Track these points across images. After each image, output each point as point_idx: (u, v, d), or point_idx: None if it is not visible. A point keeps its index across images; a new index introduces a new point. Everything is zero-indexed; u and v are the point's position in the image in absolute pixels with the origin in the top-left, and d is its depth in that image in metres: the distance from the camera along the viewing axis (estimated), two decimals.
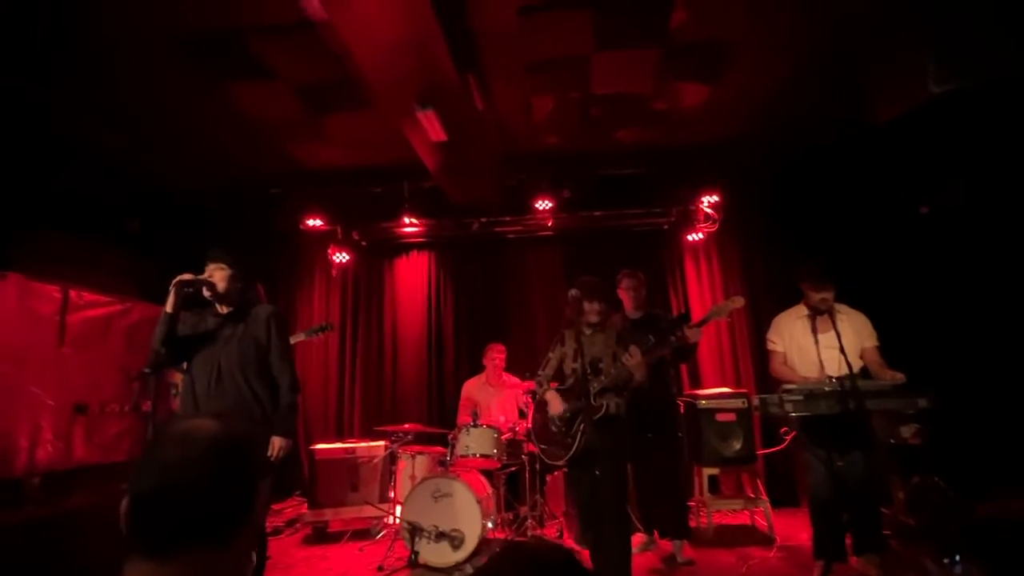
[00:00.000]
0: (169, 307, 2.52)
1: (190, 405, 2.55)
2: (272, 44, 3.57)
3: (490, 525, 3.76)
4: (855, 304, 3.35)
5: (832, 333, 3.05)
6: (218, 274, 2.64)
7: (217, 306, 2.72)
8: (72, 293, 4.17)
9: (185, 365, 2.64)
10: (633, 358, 2.91)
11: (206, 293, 2.64)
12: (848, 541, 3.19)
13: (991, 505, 3.20)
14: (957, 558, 1.14)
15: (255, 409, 2.59)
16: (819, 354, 3.20)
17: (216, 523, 0.82)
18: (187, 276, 2.55)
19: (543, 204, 5.15)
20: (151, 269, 4.92)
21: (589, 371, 2.94)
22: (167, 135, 4.59)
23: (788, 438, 4.54)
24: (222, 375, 2.57)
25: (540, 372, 3.26)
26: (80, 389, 4.16)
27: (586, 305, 3.04)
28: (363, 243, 5.90)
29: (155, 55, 3.61)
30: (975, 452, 3.85)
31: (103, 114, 4.21)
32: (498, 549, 0.89)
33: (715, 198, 5.13)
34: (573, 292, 3.05)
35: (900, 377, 2.99)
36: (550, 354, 3.27)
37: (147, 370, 2.43)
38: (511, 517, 4.39)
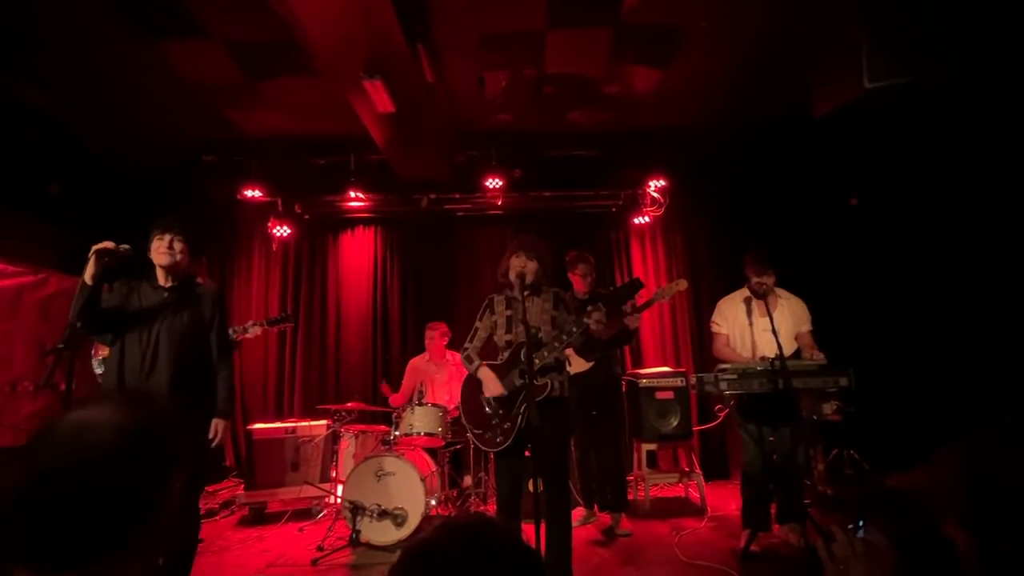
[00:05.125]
0: (88, 277, 2.33)
1: (114, 381, 2.39)
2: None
3: (433, 502, 3.76)
4: (792, 288, 3.52)
5: (769, 316, 3.19)
6: (177, 246, 2.55)
7: (159, 278, 2.58)
8: None
9: (111, 338, 2.47)
10: (597, 320, 2.59)
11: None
12: (772, 510, 3.40)
13: (899, 476, 3.49)
14: (861, 523, 1.22)
15: (188, 385, 2.47)
16: (754, 336, 3.37)
17: (115, 530, 0.72)
18: (108, 244, 2.36)
19: (493, 182, 5.09)
20: (70, 237, 4.55)
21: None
22: (91, 93, 4.20)
23: (722, 415, 4.77)
24: (159, 351, 2.43)
25: (467, 345, 2.86)
26: None
27: (523, 264, 2.73)
28: (306, 216, 5.66)
29: (79, 5, 3.28)
30: (889, 427, 4.18)
31: (19, 68, 3.80)
32: (439, 523, 0.84)
33: (662, 182, 5.23)
34: (514, 256, 2.76)
35: (821, 357, 3.19)
36: (477, 323, 2.88)
37: (61, 345, 2.24)
38: (455, 494, 4.42)
